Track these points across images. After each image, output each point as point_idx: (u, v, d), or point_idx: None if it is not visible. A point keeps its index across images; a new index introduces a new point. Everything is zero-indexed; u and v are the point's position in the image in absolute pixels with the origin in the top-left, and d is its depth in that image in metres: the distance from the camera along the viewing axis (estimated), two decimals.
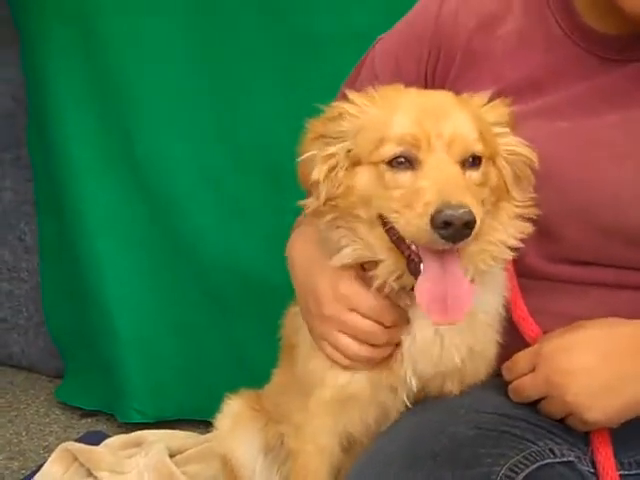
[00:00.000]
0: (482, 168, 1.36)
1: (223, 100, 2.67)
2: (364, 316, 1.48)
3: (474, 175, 1.35)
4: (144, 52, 2.67)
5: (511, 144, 1.44)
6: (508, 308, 1.53)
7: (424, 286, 1.33)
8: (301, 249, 1.64)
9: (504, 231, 1.42)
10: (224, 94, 2.66)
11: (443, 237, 1.25)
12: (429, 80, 1.68)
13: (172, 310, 2.86)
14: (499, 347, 1.54)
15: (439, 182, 1.28)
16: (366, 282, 1.46)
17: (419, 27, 1.69)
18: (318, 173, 1.42)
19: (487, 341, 1.52)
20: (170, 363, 2.89)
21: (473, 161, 1.35)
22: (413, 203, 1.28)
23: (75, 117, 2.78)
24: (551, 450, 1.41)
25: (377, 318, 1.47)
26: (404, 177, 1.33)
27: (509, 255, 1.44)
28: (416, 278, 1.34)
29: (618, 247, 1.50)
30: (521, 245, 1.45)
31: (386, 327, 1.48)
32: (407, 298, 1.46)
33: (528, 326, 1.52)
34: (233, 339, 2.82)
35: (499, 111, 1.45)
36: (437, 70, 1.67)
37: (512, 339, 1.53)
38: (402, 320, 1.48)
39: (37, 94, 2.89)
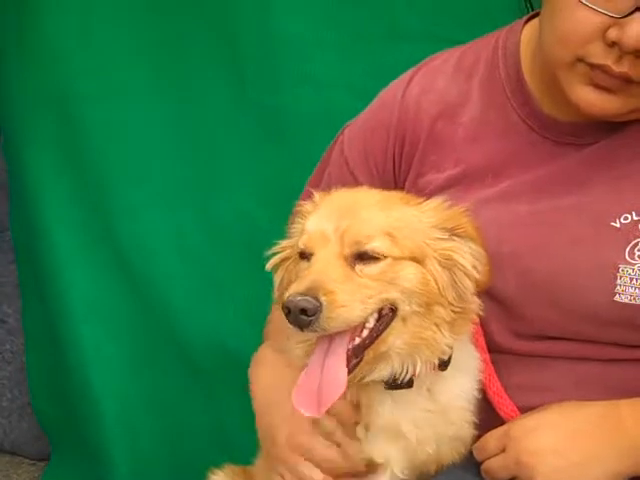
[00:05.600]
0: (382, 265, 1.38)
1: (202, 181, 2.71)
2: (317, 466, 1.52)
3: (367, 270, 1.37)
4: (123, 136, 2.70)
5: (448, 250, 1.43)
6: (483, 387, 1.57)
7: (301, 380, 1.40)
8: (262, 386, 1.72)
9: (438, 331, 1.43)
10: (202, 174, 2.70)
11: (290, 323, 1.32)
12: (396, 164, 1.74)
13: (156, 391, 2.85)
14: (475, 427, 1.56)
15: (311, 273, 1.36)
16: None
17: (383, 114, 1.76)
18: (269, 264, 1.54)
19: (463, 424, 1.54)
20: (156, 444, 2.88)
21: (369, 257, 1.38)
22: None
23: (56, 201, 2.81)
24: None
25: (330, 470, 1.52)
26: (304, 267, 1.41)
27: (448, 353, 1.46)
28: None
29: (579, 323, 1.54)
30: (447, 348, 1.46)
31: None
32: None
33: (503, 403, 1.56)
34: (219, 419, 2.81)
35: (443, 215, 1.46)
36: (403, 154, 1.73)
37: (488, 416, 1.56)
38: (360, 466, 1.52)
39: (19, 179, 2.93)
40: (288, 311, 1.31)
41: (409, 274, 1.40)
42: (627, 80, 1.42)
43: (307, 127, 2.49)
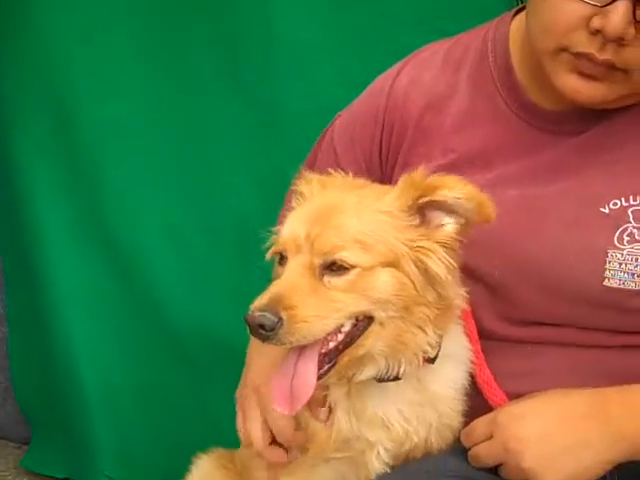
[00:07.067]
0: (350, 277, 1.35)
1: (192, 167, 2.72)
2: (262, 429, 1.60)
3: (334, 282, 1.36)
4: (115, 125, 2.71)
5: (422, 253, 1.39)
6: (473, 375, 1.58)
7: (275, 378, 1.42)
8: None
9: (420, 332, 1.41)
10: (193, 161, 2.71)
11: (252, 335, 1.34)
12: (383, 153, 1.76)
13: (141, 375, 2.86)
14: (464, 415, 1.58)
15: (275, 285, 1.36)
16: None
17: (372, 104, 1.78)
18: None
19: (452, 413, 1.56)
20: (140, 428, 2.89)
21: (339, 267, 1.36)
22: None
23: (43, 188, 2.81)
24: None
25: (274, 433, 1.58)
26: (280, 271, 1.42)
27: (433, 351, 1.46)
28: None
29: (568, 308, 1.56)
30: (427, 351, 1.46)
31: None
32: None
33: (492, 391, 1.57)
34: (203, 402, 2.82)
35: (407, 188, 1.41)
36: (391, 143, 1.74)
37: (478, 404, 1.57)
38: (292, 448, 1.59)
39: (4, 165, 2.92)
40: (248, 325, 1.32)
41: (383, 283, 1.37)
42: (611, 67, 1.44)
43: (300, 119, 2.50)
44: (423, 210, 1.42)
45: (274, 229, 1.57)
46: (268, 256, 1.56)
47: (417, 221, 1.42)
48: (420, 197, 1.41)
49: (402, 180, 1.45)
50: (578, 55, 1.45)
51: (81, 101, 2.72)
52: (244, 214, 2.66)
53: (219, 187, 2.71)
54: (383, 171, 1.77)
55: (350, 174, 1.69)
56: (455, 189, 1.40)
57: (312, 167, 1.83)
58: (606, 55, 1.43)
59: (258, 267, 2.38)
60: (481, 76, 1.69)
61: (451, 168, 1.63)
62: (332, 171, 1.59)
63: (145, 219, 2.77)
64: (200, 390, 2.83)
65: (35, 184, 2.83)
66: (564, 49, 1.47)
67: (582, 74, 1.47)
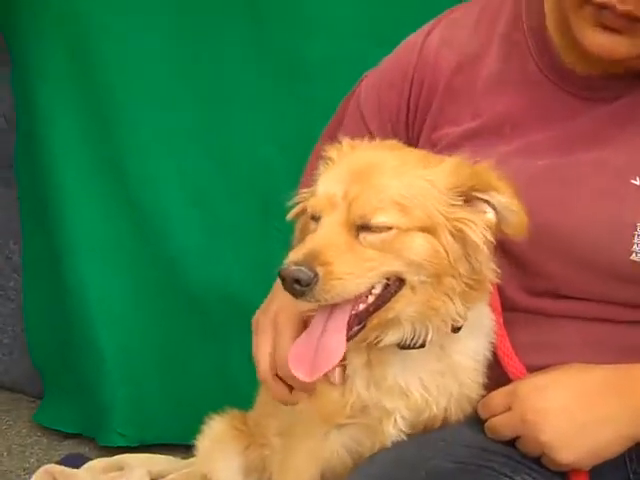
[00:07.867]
0: (386, 236, 1.33)
1: (215, 123, 2.70)
2: (269, 356, 1.55)
3: (369, 239, 1.34)
4: (135, 73, 2.69)
5: (460, 222, 1.37)
6: (493, 347, 1.55)
7: (297, 342, 1.40)
8: None
9: (449, 301, 1.39)
10: (215, 117, 2.69)
11: (285, 290, 1.30)
12: (411, 112, 1.72)
13: (156, 332, 2.86)
14: (483, 387, 1.56)
15: (311, 240, 1.33)
16: None
17: (402, 61, 1.74)
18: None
19: (472, 384, 1.54)
20: (154, 386, 2.89)
21: (376, 227, 1.34)
22: None
23: (63, 136, 2.79)
24: None
25: (277, 366, 1.54)
26: (313, 229, 1.39)
27: (461, 321, 1.44)
28: None
29: (595, 281, 1.52)
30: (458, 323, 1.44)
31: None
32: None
33: (512, 364, 1.54)
34: (218, 362, 2.83)
35: (464, 173, 1.39)
36: (420, 102, 1.71)
37: (497, 375, 1.55)
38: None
39: (26, 113, 2.91)
40: (283, 279, 1.29)
41: (418, 246, 1.35)
42: (633, 19, 1.41)
43: (328, 74, 2.47)
44: (470, 198, 1.41)
45: (296, 191, 1.55)
46: (291, 216, 1.53)
47: (461, 203, 1.39)
48: (473, 189, 1.39)
49: (456, 160, 1.42)
50: (600, 6, 1.43)
51: (103, 59, 2.70)
52: (265, 174, 2.64)
53: (241, 147, 2.68)
54: (409, 133, 1.74)
55: (376, 136, 1.67)
56: (505, 195, 1.39)
57: (338, 129, 1.80)
58: (627, 6, 1.40)
59: (276, 229, 2.36)
60: (514, 37, 1.65)
61: (480, 132, 1.61)
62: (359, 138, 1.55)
63: (166, 177, 2.76)
64: (215, 350, 2.83)
65: (56, 135, 2.81)
66: (587, 1, 1.44)
67: (605, 27, 1.45)
